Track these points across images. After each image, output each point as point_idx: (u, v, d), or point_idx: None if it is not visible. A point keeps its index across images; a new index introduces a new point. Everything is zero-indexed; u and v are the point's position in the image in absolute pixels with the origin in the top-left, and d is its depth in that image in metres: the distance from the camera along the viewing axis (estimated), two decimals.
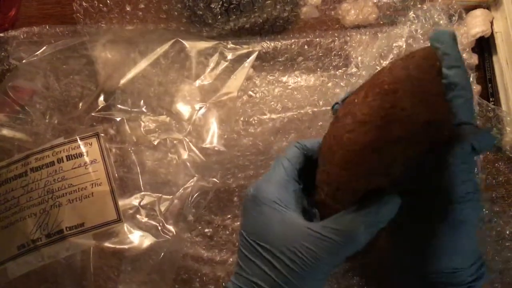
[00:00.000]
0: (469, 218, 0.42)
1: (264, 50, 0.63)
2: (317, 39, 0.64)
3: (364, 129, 0.40)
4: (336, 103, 0.51)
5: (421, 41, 0.62)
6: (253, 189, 0.45)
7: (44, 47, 0.61)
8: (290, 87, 0.63)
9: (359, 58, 0.62)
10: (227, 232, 0.59)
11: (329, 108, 0.60)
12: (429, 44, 0.44)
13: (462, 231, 0.42)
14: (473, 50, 0.65)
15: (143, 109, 0.60)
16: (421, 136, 0.40)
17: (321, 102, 0.62)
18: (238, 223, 0.58)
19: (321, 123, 0.61)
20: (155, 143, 0.59)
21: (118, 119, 0.60)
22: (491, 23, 0.65)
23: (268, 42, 0.64)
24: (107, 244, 0.54)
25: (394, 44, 0.61)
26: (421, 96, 0.40)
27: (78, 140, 0.57)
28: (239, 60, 0.62)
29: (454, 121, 0.41)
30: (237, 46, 0.63)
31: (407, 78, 0.40)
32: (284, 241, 0.40)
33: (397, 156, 0.39)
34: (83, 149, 0.57)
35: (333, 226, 0.40)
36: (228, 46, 0.63)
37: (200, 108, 0.60)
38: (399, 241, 0.46)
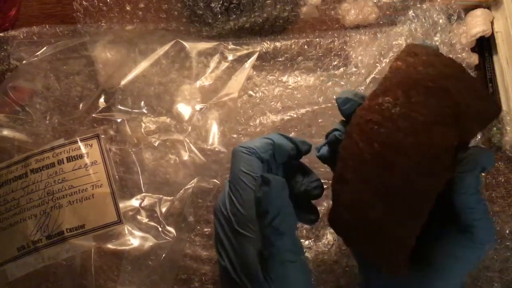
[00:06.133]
0: (486, 239, 0.41)
1: (264, 50, 0.63)
2: (317, 39, 0.64)
3: (437, 130, 0.38)
4: (335, 129, 0.44)
5: (421, 40, 0.62)
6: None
7: (45, 48, 0.61)
8: (290, 86, 0.63)
9: (359, 58, 0.62)
10: None
11: (329, 105, 0.60)
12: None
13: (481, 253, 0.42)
14: (474, 50, 0.65)
15: (144, 109, 0.60)
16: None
17: (320, 100, 0.62)
18: None
19: (321, 120, 0.61)
20: (156, 144, 0.59)
21: (118, 120, 0.60)
22: (492, 22, 0.65)
23: (268, 42, 0.64)
24: (107, 246, 0.54)
25: (394, 42, 0.61)
26: (473, 92, 0.39)
27: (79, 142, 0.57)
28: (240, 61, 0.62)
29: None
30: (238, 47, 0.63)
31: (445, 76, 0.39)
32: None
33: None
34: (83, 150, 0.57)
35: None
36: (229, 47, 0.63)
37: (201, 108, 0.60)
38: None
